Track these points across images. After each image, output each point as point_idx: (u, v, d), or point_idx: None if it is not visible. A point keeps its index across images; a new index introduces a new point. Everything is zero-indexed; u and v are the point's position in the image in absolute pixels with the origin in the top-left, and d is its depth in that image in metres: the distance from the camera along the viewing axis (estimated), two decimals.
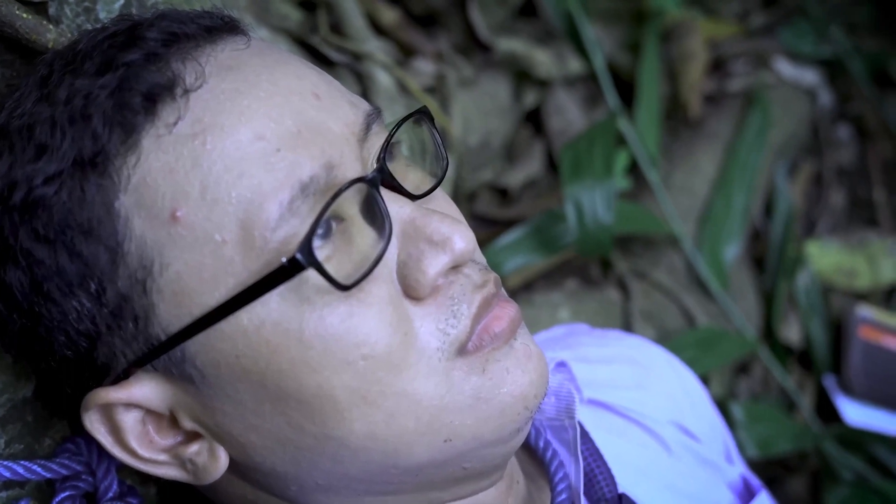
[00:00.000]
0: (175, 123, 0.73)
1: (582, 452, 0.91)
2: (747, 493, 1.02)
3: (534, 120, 1.71)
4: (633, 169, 1.62)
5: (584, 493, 0.91)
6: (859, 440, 1.62)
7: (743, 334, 1.62)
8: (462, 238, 0.75)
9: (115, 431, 0.79)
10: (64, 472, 0.86)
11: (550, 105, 1.70)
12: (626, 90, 1.68)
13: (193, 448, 0.79)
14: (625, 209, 1.54)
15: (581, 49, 1.65)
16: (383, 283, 0.75)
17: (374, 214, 0.75)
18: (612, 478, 0.91)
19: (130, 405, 0.78)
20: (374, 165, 0.77)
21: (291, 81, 0.77)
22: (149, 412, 0.79)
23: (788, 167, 1.86)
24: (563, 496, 0.88)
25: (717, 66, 1.87)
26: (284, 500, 0.82)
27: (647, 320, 1.53)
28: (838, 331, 1.76)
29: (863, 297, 1.82)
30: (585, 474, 0.91)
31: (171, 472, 0.80)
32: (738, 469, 1.04)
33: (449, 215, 0.77)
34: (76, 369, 0.78)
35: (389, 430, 0.75)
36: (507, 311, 0.78)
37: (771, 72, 1.88)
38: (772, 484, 1.67)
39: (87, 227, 0.74)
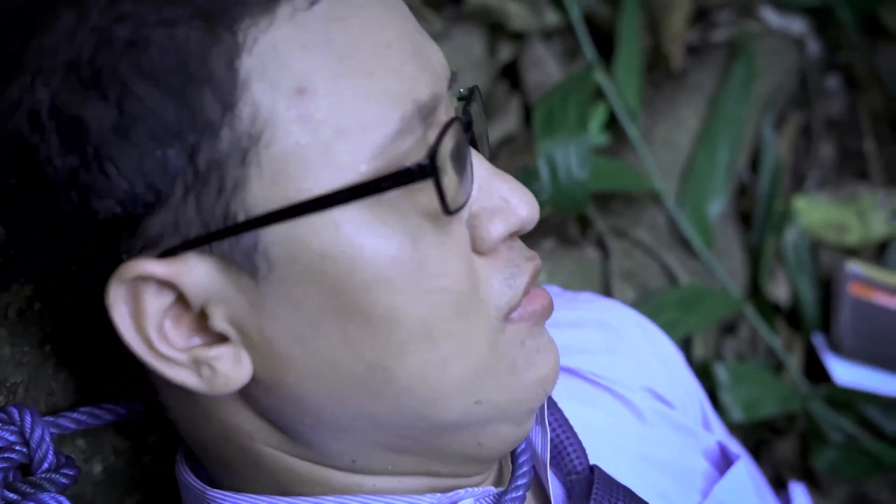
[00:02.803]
0: (313, 3, 0.71)
1: (550, 423, 0.87)
2: (724, 462, 0.98)
3: (510, 75, 1.66)
4: (613, 123, 1.56)
5: (554, 466, 0.87)
6: (849, 400, 1.57)
7: (728, 293, 1.57)
8: (530, 206, 0.76)
9: (137, 314, 0.72)
10: None
11: (527, 58, 1.65)
12: (607, 43, 1.62)
13: (218, 351, 0.73)
14: (603, 165, 1.49)
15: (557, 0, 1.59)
16: (462, 226, 0.74)
17: (460, 159, 0.73)
18: (583, 450, 0.88)
19: (166, 286, 0.71)
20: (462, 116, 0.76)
21: (402, 8, 0.77)
22: (176, 302, 0.72)
23: (775, 119, 1.80)
24: (525, 468, 0.83)
25: (701, 16, 1.81)
26: (287, 434, 0.76)
27: (627, 280, 1.49)
28: (827, 288, 1.71)
29: (853, 252, 1.77)
30: (555, 446, 0.87)
31: (181, 376, 0.73)
32: (716, 436, 1.00)
33: (519, 182, 0.77)
34: (117, 233, 0.72)
35: (439, 376, 0.74)
36: (544, 295, 0.78)
37: (757, 21, 1.82)
38: (759, 447, 1.63)
39: (203, 76, 0.68)
